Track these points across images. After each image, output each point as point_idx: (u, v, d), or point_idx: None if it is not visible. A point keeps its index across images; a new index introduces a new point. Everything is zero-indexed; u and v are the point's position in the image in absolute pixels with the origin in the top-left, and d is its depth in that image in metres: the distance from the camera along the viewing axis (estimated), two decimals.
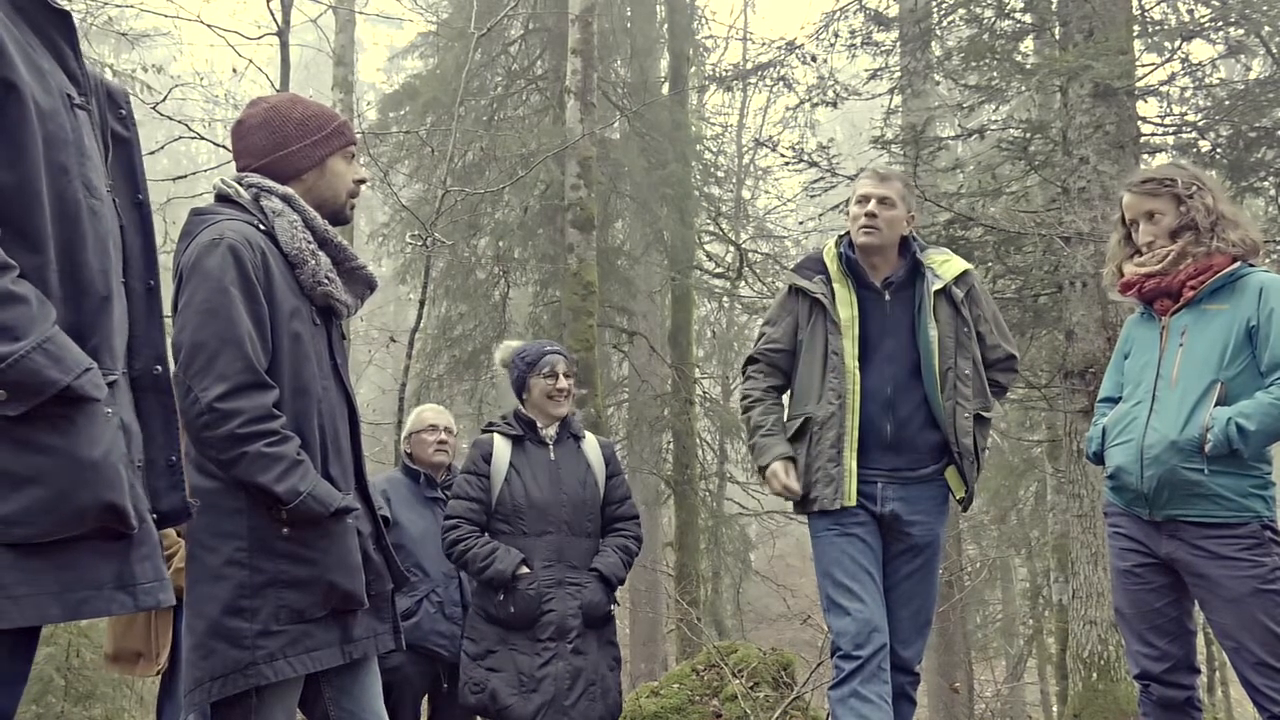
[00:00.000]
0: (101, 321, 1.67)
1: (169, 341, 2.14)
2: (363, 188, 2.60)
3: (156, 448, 1.83)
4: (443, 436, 4.41)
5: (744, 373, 3.71)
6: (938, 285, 3.41)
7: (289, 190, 2.43)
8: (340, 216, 2.53)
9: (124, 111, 1.87)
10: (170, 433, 1.86)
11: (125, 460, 1.66)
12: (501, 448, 3.89)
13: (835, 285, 3.46)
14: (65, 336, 1.56)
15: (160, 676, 3.69)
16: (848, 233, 3.51)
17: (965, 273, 3.48)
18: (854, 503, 3.36)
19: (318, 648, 2.29)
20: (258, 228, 2.36)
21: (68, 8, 1.75)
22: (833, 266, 3.48)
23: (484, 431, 4.03)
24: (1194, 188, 3.08)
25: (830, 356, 3.41)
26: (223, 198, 2.45)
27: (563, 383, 3.91)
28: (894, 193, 3.43)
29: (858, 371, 3.38)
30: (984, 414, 3.44)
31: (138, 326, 1.83)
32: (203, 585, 2.26)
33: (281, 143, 2.46)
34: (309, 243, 2.40)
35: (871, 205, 3.41)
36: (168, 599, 1.73)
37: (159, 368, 1.85)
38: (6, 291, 1.47)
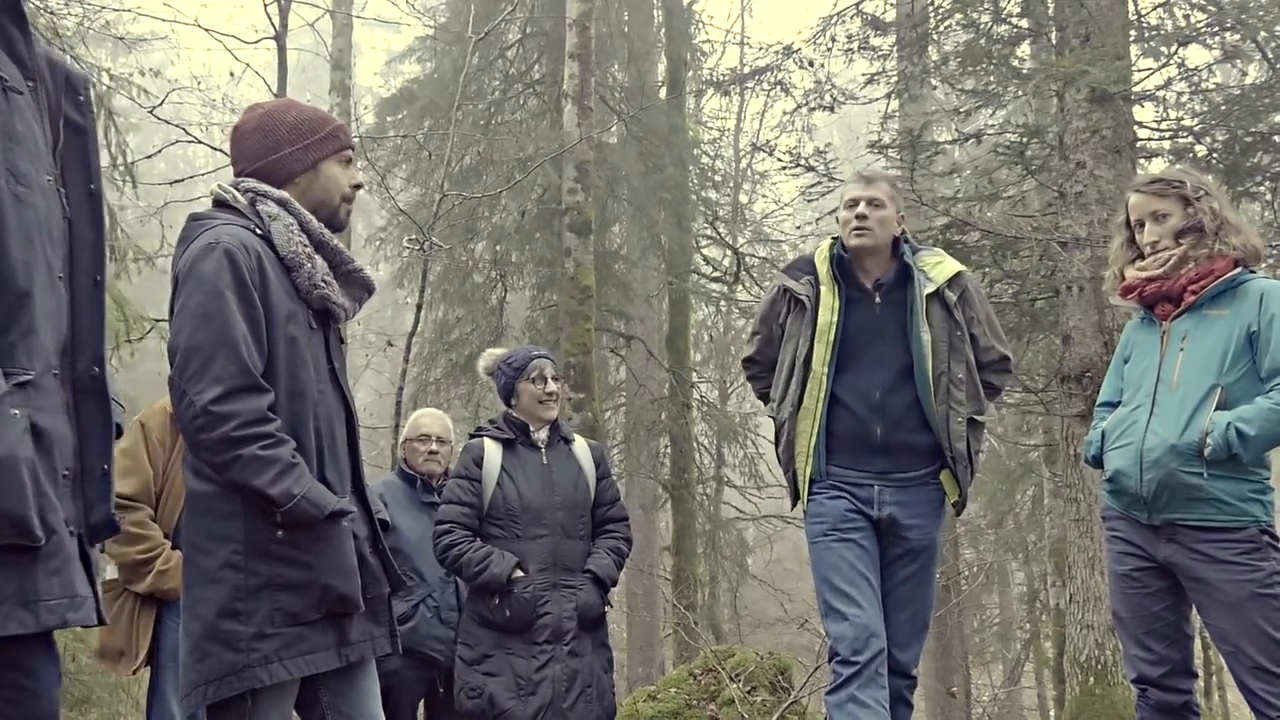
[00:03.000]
0: (20, 316, 1.57)
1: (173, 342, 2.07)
2: (359, 192, 2.59)
3: (93, 455, 1.73)
4: (434, 447, 4.39)
5: (745, 370, 3.75)
6: (929, 288, 3.38)
7: (284, 194, 2.43)
8: (335, 221, 2.51)
9: (82, 98, 1.79)
10: (106, 439, 1.76)
11: (36, 466, 1.56)
12: (493, 451, 3.89)
13: (822, 288, 3.44)
14: None
15: (150, 679, 3.69)
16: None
17: (958, 275, 3.45)
18: (804, 505, 3.43)
19: (313, 651, 2.28)
20: (254, 232, 2.36)
21: None
22: (822, 269, 3.47)
23: (474, 436, 4.03)
24: (1201, 192, 3.09)
25: (795, 362, 3.42)
26: (220, 203, 2.44)
27: (551, 386, 3.93)
28: (882, 193, 3.42)
29: (826, 377, 3.37)
30: (977, 418, 3.43)
31: (81, 324, 1.73)
32: (198, 588, 2.26)
33: (274, 147, 2.45)
34: (305, 246, 2.39)
35: (861, 207, 3.40)
36: (79, 619, 1.63)
37: (96, 369, 1.76)
38: None
